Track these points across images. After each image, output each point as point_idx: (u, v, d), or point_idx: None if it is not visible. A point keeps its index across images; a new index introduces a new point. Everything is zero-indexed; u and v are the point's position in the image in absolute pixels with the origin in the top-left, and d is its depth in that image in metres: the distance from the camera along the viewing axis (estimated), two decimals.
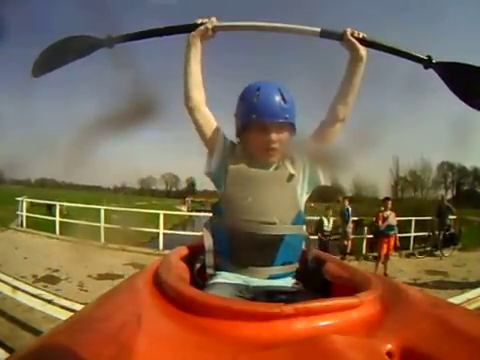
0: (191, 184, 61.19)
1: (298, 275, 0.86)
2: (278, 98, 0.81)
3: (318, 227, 5.42)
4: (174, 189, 68.73)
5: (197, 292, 0.57)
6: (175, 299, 0.56)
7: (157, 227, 6.78)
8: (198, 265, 0.87)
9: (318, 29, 0.87)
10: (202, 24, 0.87)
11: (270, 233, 0.79)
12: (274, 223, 0.80)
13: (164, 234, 6.59)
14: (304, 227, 0.89)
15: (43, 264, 4.05)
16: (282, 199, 0.83)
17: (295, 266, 0.85)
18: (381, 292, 0.60)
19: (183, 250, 0.90)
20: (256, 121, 0.81)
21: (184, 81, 0.88)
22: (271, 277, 0.81)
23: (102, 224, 6.91)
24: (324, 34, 0.87)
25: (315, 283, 0.84)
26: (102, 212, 7.02)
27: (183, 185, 66.43)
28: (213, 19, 0.88)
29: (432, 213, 6.82)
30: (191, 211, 20.35)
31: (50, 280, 3.46)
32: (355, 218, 6.44)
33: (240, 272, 0.81)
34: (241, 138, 0.88)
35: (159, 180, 71.55)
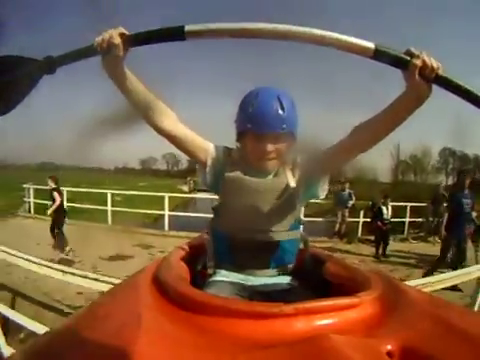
0: (192, 163, 60.18)
1: (298, 275, 0.87)
2: (275, 107, 0.75)
3: (377, 215, 5.41)
4: (175, 169, 68.38)
5: (197, 292, 0.57)
6: (175, 299, 0.56)
7: (160, 208, 7.02)
8: (198, 265, 0.89)
9: (372, 45, 0.58)
10: (105, 44, 0.62)
11: (266, 240, 0.81)
12: (270, 231, 0.81)
13: (167, 215, 6.81)
14: (301, 230, 0.89)
15: None
16: (279, 208, 0.82)
17: (293, 266, 0.87)
18: (381, 292, 0.60)
19: (183, 250, 0.91)
20: (251, 130, 0.78)
21: (141, 113, 0.75)
22: (269, 278, 0.83)
23: (109, 207, 7.09)
24: (379, 55, 0.59)
25: (315, 283, 0.84)
26: (109, 196, 7.20)
27: (184, 164, 65.92)
28: (117, 34, 0.62)
29: (427, 200, 6.89)
30: (193, 190, 19.85)
31: (65, 263, 3.47)
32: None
33: (239, 273, 0.83)
34: (240, 143, 0.86)
35: (160, 160, 71.32)
